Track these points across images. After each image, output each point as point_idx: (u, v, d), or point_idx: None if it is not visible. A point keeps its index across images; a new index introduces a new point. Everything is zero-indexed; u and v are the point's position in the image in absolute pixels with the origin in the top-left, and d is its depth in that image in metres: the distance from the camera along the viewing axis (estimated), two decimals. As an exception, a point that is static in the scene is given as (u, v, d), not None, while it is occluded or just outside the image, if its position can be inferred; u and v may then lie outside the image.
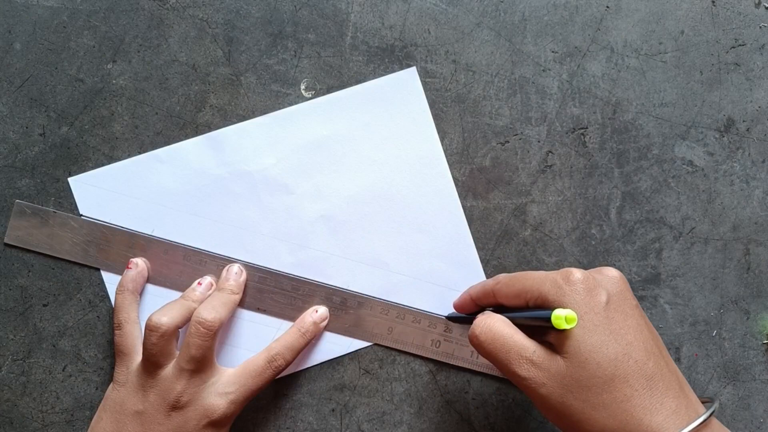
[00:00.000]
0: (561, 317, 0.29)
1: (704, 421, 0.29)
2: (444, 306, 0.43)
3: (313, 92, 0.43)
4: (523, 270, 0.43)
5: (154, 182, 0.43)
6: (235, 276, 0.42)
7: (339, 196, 0.43)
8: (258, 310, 0.42)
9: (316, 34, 0.43)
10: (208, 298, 0.40)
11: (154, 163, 0.43)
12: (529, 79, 0.44)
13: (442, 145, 0.43)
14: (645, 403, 0.29)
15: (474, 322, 0.34)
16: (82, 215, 0.43)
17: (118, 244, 0.42)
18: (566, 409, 0.30)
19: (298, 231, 0.43)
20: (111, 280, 0.43)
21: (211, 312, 0.38)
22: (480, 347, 0.33)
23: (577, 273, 0.31)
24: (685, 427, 0.28)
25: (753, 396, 0.43)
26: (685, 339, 0.43)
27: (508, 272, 0.43)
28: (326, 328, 0.43)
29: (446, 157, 0.43)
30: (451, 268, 0.43)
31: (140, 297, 0.42)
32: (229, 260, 0.42)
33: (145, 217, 0.42)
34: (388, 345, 0.42)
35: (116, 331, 0.40)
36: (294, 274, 0.43)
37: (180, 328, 0.39)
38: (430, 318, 0.42)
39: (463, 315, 0.41)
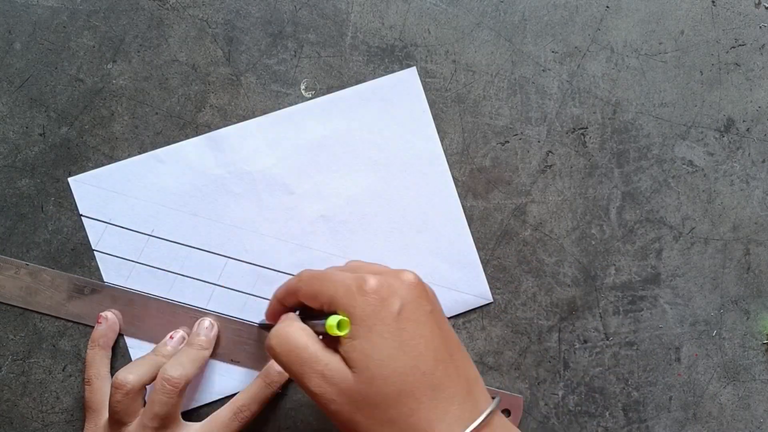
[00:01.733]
0: (333, 324, 0.28)
1: (483, 420, 0.29)
2: (443, 306, 0.43)
3: (313, 92, 0.43)
4: (523, 270, 0.43)
5: (154, 182, 0.43)
6: (205, 330, 0.41)
7: (339, 196, 0.43)
8: (231, 361, 0.42)
9: (316, 34, 0.43)
10: (177, 355, 0.40)
11: (154, 163, 0.43)
12: (529, 79, 0.44)
13: (442, 145, 0.43)
14: (430, 416, 0.28)
15: (272, 330, 0.32)
16: (81, 215, 0.43)
17: (92, 297, 0.42)
18: (355, 426, 0.29)
19: (298, 231, 0.43)
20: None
21: (177, 369, 0.38)
22: (276, 358, 0.31)
23: (371, 280, 0.30)
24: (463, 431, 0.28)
25: (753, 396, 0.43)
26: (685, 339, 0.43)
27: (508, 272, 0.43)
28: None
29: (446, 157, 0.43)
30: (451, 268, 0.43)
31: (111, 351, 0.42)
32: (202, 312, 0.42)
33: (145, 217, 0.42)
34: None
35: (86, 387, 0.40)
36: (293, 272, 0.43)
37: (147, 385, 0.38)
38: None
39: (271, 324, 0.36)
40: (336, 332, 0.29)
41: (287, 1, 0.43)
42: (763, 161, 0.44)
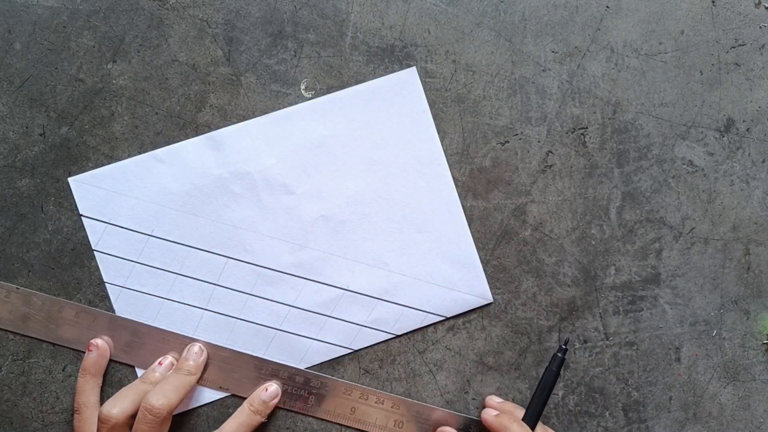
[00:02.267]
0: None
1: None
2: (443, 306, 0.43)
3: (313, 92, 0.43)
4: (523, 270, 0.43)
5: (154, 182, 0.43)
6: (194, 356, 0.41)
7: (339, 196, 0.43)
8: (220, 389, 0.42)
9: (316, 34, 0.43)
10: (161, 382, 0.39)
11: (154, 163, 0.43)
12: (529, 79, 0.44)
13: (442, 145, 0.43)
14: None
15: None
16: (81, 215, 0.43)
17: (82, 322, 0.42)
18: None
19: (298, 231, 0.43)
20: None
21: (160, 398, 0.38)
22: None
23: None
24: None
25: (753, 396, 0.43)
26: (685, 339, 0.43)
27: (508, 272, 0.43)
28: (289, 407, 0.42)
29: (446, 157, 0.43)
30: (451, 268, 0.43)
31: (102, 378, 0.42)
32: (191, 340, 0.42)
33: (145, 217, 0.42)
34: (351, 425, 0.42)
35: (75, 415, 0.40)
36: (293, 272, 0.43)
37: (133, 415, 0.38)
38: (393, 399, 0.42)
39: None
40: None
41: (287, 1, 0.43)
42: (763, 161, 0.44)
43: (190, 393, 0.41)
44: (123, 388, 0.40)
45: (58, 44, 0.43)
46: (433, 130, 0.43)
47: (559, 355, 0.41)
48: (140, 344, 0.42)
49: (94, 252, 0.43)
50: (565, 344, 0.41)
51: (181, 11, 0.43)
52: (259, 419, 0.41)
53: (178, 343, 0.42)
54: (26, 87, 0.43)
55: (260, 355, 0.43)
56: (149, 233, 0.43)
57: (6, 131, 0.43)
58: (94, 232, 0.43)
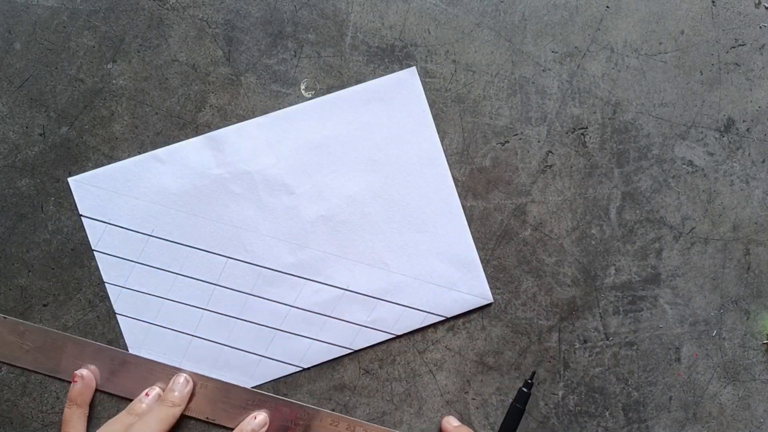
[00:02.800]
0: None
1: None
2: (443, 306, 0.43)
3: (313, 92, 0.43)
4: (523, 270, 0.43)
5: (154, 182, 0.43)
6: (180, 386, 0.41)
7: (339, 196, 0.43)
8: (207, 419, 0.42)
9: (316, 34, 0.43)
10: (146, 415, 0.40)
11: (154, 163, 0.43)
12: (529, 79, 0.44)
13: (442, 145, 0.43)
14: None
15: None
16: (81, 215, 0.43)
17: (69, 352, 0.42)
18: None
19: (298, 231, 0.43)
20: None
21: (146, 428, 0.38)
22: None
23: None
24: None
25: (753, 396, 0.43)
26: (685, 339, 0.43)
27: (508, 272, 0.43)
28: None
29: (446, 157, 0.43)
30: (451, 268, 0.43)
31: (89, 408, 0.42)
32: (177, 370, 0.42)
33: (145, 217, 0.42)
34: None
35: None
36: (293, 272, 0.43)
37: None
38: (379, 430, 0.42)
39: None
40: None
41: (287, 1, 0.43)
42: (763, 161, 0.44)
43: (174, 424, 0.41)
44: (109, 421, 0.40)
45: (58, 44, 0.43)
46: (433, 130, 0.43)
47: (525, 390, 0.41)
48: (126, 374, 0.42)
49: (94, 252, 0.43)
50: (531, 378, 0.41)
51: (181, 11, 0.43)
52: None
53: (165, 373, 0.42)
54: (26, 87, 0.43)
55: (260, 354, 0.43)
56: (149, 233, 0.43)
57: (6, 131, 0.43)
58: (93, 232, 0.43)
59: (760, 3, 0.44)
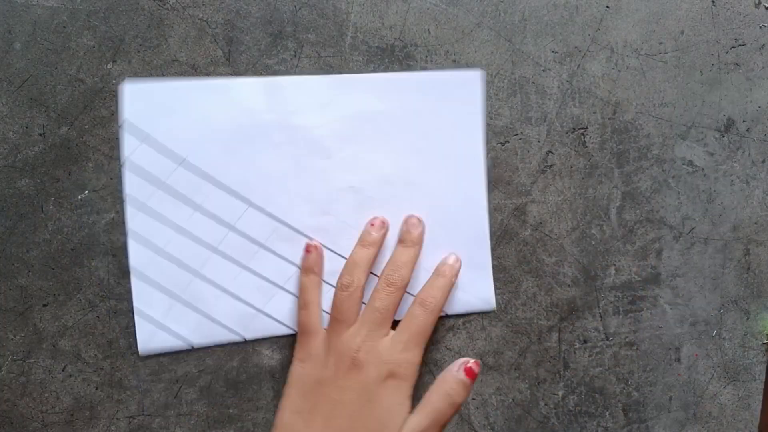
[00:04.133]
0: None
1: None
2: (449, 303, 0.43)
3: (313, 92, 0.43)
4: (523, 270, 0.43)
5: (201, 110, 0.42)
6: (413, 227, 0.42)
7: (373, 172, 0.43)
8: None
9: (316, 34, 0.43)
10: (391, 260, 0.41)
11: (207, 91, 0.42)
12: (529, 79, 0.44)
13: (442, 145, 0.43)
14: None
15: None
16: (124, 122, 0.42)
17: None
18: None
19: (325, 196, 0.43)
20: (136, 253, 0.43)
21: (397, 271, 0.40)
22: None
23: None
24: None
25: (753, 396, 0.43)
26: (685, 339, 0.43)
27: (508, 272, 0.43)
28: None
29: (446, 157, 0.43)
30: (463, 267, 0.43)
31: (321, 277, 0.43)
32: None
33: (183, 140, 0.42)
34: None
35: (302, 312, 0.41)
36: (308, 234, 0.43)
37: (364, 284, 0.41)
38: None
39: None
40: None
41: (287, 1, 0.43)
42: (763, 161, 0.44)
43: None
44: (347, 261, 0.42)
45: (58, 44, 0.43)
46: (481, 135, 0.43)
47: None
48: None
49: (125, 163, 0.42)
50: None
51: (181, 11, 0.43)
52: (449, 281, 0.42)
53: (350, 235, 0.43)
54: (26, 87, 0.43)
55: (258, 308, 0.43)
56: (182, 159, 0.42)
57: (6, 131, 0.43)
58: (129, 145, 0.42)
59: (760, 3, 0.44)
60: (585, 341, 0.43)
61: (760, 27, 0.44)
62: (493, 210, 0.43)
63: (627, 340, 0.43)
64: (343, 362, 0.38)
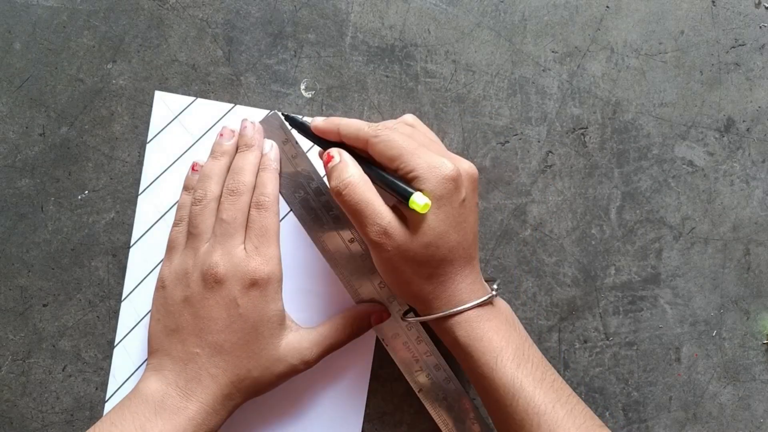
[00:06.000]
0: (418, 204, 0.33)
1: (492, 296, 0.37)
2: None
3: (313, 92, 0.43)
4: (523, 270, 0.43)
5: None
6: (245, 129, 0.41)
7: None
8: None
9: (316, 34, 0.43)
10: (234, 164, 0.41)
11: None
12: (529, 79, 0.44)
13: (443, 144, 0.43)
14: (457, 279, 0.36)
15: (335, 175, 0.35)
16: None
17: None
18: (399, 273, 0.36)
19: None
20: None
21: (236, 177, 0.40)
22: (343, 203, 0.35)
23: (452, 170, 0.34)
24: (479, 298, 0.36)
25: (753, 396, 0.43)
26: (685, 339, 0.43)
27: (508, 272, 0.43)
28: None
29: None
30: None
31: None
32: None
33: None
34: None
35: (174, 228, 0.41)
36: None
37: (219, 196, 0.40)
38: None
39: (310, 133, 0.39)
40: (417, 209, 0.33)
41: (287, 1, 0.43)
42: (763, 161, 0.44)
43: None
44: (200, 173, 0.41)
45: (58, 44, 0.43)
46: None
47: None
48: None
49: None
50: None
51: (181, 11, 0.43)
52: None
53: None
54: (26, 87, 0.43)
55: None
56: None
57: (6, 131, 0.43)
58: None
59: (760, 3, 0.44)
60: (585, 341, 0.43)
61: (760, 27, 0.44)
62: (493, 210, 0.43)
63: (627, 340, 0.43)
64: (206, 279, 0.38)
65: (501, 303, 0.38)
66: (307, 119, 0.41)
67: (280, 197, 0.42)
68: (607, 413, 0.43)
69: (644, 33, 0.44)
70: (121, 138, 0.43)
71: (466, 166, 0.37)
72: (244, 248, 0.39)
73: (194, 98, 0.43)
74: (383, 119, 0.43)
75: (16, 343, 0.43)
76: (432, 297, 0.36)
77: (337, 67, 0.43)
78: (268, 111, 0.43)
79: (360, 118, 0.43)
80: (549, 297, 0.43)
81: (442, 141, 0.43)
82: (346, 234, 0.42)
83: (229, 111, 0.43)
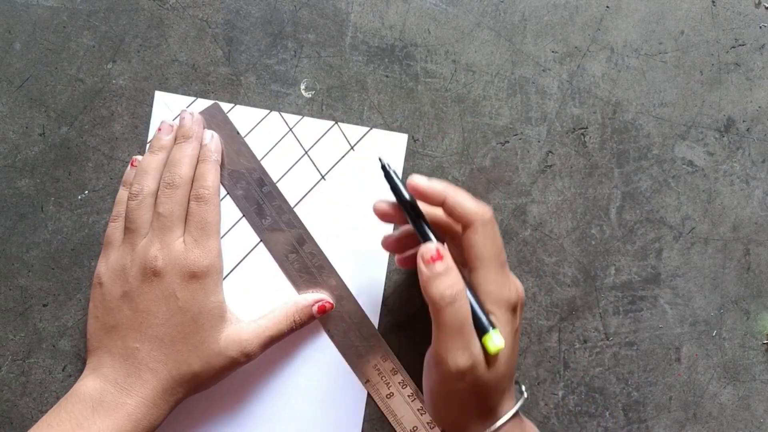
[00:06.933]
0: (494, 344, 0.32)
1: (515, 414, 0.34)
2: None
3: (313, 92, 0.43)
4: (523, 270, 0.43)
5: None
6: (183, 120, 0.41)
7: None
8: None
9: (316, 34, 0.43)
10: (171, 156, 0.40)
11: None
12: (529, 79, 0.44)
13: (443, 145, 0.43)
14: (503, 400, 0.34)
15: (446, 283, 0.31)
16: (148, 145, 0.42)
17: None
18: (457, 405, 0.33)
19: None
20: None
21: (172, 170, 0.39)
22: (442, 314, 0.31)
23: (516, 299, 0.33)
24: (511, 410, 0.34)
25: (753, 396, 0.43)
26: (685, 339, 0.43)
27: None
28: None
29: (446, 157, 0.43)
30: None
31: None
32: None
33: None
34: None
35: (110, 224, 0.41)
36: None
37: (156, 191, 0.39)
38: None
39: (394, 182, 0.35)
40: (490, 351, 0.32)
41: (287, 1, 0.43)
42: (763, 161, 0.44)
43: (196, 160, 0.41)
44: (137, 168, 0.41)
45: (58, 44, 0.43)
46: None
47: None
48: None
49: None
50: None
51: (181, 11, 0.43)
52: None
53: None
54: (26, 87, 0.43)
55: None
56: None
57: (6, 131, 0.43)
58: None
59: (760, 3, 0.44)
60: (585, 341, 0.43)
61: (760, 27, 0.44)
62: (493, 210, 0.43)
63: (627, 340, 0.43)
64: (144, 273, 0.38)
65: (528, 424, 0.36)
66: (409, 178, 0.35)
67: (222, 189, 0.42)
68: (607, 413, 0.43)
69: (644, 33, 0.44)
70: (121, 138, 0.43)
71: (522, 290, 0.35)
72: (183, 241, 0.38)
73: (194, 98, 0.43)
74: (383, 119, 0.43)
75: (16, 343, 0.43)
76: (474, 430, 0.34)
77: (337, 67, 0.43)
78: (210, 102, 0.43)
79: (360, 117, 0.43)
80: (549, 297, 0.43)
81: (442, 141, 0.43)
82: (293, 231, 0.42)
83: (229, 111, 0.43)
